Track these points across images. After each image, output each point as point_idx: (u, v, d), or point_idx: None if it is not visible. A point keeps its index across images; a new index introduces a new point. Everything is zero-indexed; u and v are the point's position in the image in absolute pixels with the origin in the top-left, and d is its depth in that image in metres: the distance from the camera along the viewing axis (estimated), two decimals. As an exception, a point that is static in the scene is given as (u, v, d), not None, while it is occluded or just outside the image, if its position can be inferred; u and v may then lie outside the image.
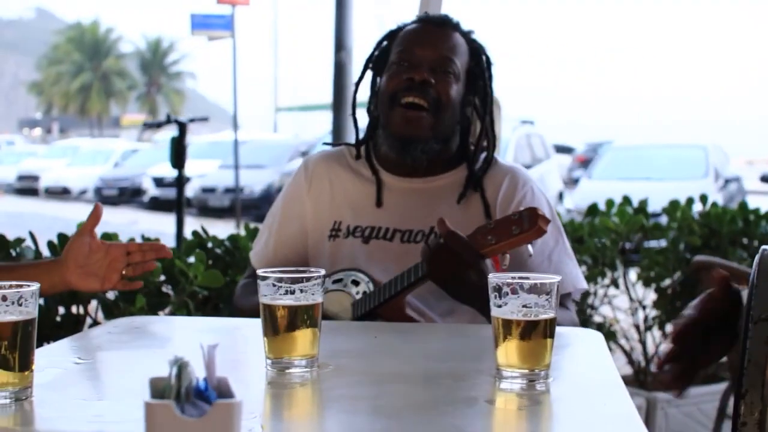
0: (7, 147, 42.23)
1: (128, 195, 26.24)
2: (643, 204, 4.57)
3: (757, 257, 1.55)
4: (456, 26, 2.54)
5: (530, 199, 2.49)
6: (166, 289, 3.26)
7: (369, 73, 2.62)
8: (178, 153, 7.50)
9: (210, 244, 3.48)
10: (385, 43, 2.59)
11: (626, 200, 4.57)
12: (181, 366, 1.03)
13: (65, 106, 72.57)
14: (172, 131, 7.53)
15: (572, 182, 23.72)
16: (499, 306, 1.58)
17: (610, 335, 4.40)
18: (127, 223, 20.62)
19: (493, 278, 1.60)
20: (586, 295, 4.28)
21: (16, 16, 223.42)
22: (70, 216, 22.57)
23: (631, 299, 4.53)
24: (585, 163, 29.38)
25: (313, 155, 2.67)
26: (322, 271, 1.69)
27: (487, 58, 2.57)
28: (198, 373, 1.08)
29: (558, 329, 2.03)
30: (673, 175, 14.77)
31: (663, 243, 4.51)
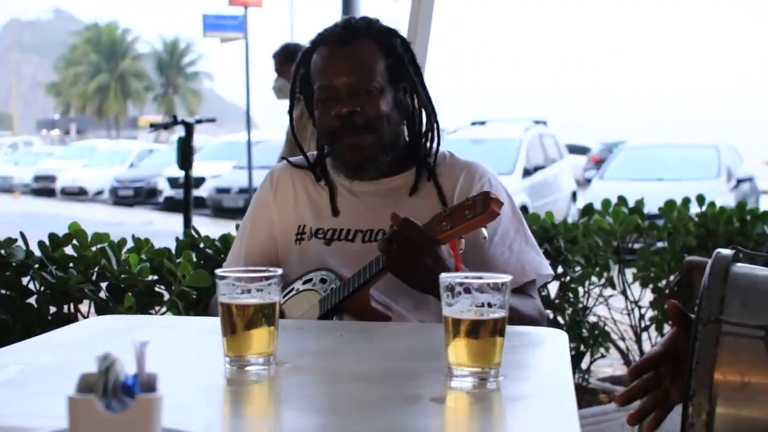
0: (25, 148, 42.47)
1: (144, 195, 26.32)
2: (639, 204, 4.59)
3: (710, 259, 1.57)
4: (360, 31, 2.54)
5: (488, 189, 2.51)
6: (159, 288, 3.30)
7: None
8: (185, 154, 7.53)
9: (202, 244, 3.52)
10: (302, 70, 2.61)
11: (622, 200, 4.59)
12: (109, 362, 1.06)
13: (83, 107, 72.87)
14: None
15: (586, 183, 23.68)
16: (450, 305, 1.60)
17: (604, 335, 4.42)
18: (142, 224, 20.72)
19: (445, 277, 1.62)
20: (576, 293, 4.30)
21: (35, 17, 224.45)
22: (86, 216, 22.77)
23: (627, 299, 4.55)
24: (600, 163, 29.38)
25: (278, 165, 2.75)
26: (279, 271, 1.72)
27: (402, 40, 2.59)
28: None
29: (522, 328, 2.07)
30: (685, 175, 14.74)
31: (661, 243, 4.53)
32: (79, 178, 29.55)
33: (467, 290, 1.59)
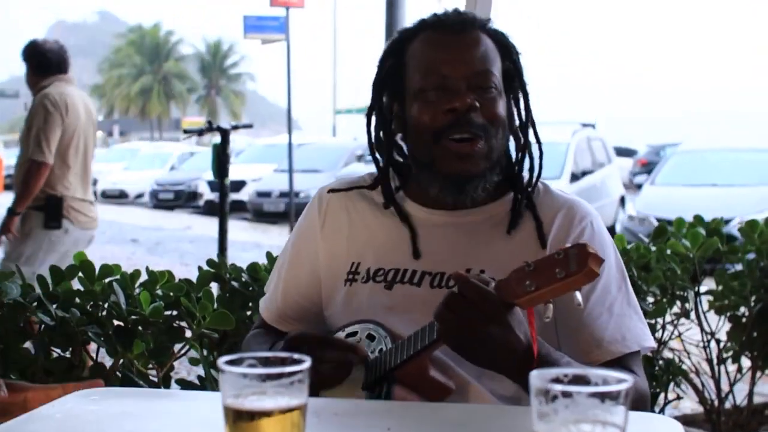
0: (67, 150, 42.41)
1: (184, 199, 26.13)
2: (718, 224, 4.08)
3: None
4: (477, 23, 2.09)
5: (589, 234, 2.05)
6: (179, 323, 2.87)
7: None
8: (220, 162, 7.19)
9: (227, 275, 3.09)
10: (390, 60, 2.14)
11: (698, 220, 4.08)
12: None
13: (126, 109, 73.23)
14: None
15: (634, 187, 23.16)
16: (542, 417, 1.13)
17: (680, 372, 3.93)
18: (181, 228, 20.47)
19: (538, 377, 1.15)
20: (651, 328, 3.82)
21: (80, 19, 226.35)
22: (126, 220, 22.59)
23: (702, 330, 4.06)
24: (647, 166, 28.83)
25: (328, 186, 2.26)
26: (308, 362, 1.25)
27: (515, 48, 2.14)
28: None
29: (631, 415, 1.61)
30: (740, 180, 14.23)
31: (738, 266, 4.05)
32: (120, 180, 29.46)
33: (566, 394, 1.12)
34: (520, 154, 2.13)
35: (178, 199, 26.25)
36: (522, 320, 1.73)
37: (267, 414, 1.21)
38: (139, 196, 28.52)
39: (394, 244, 2.11)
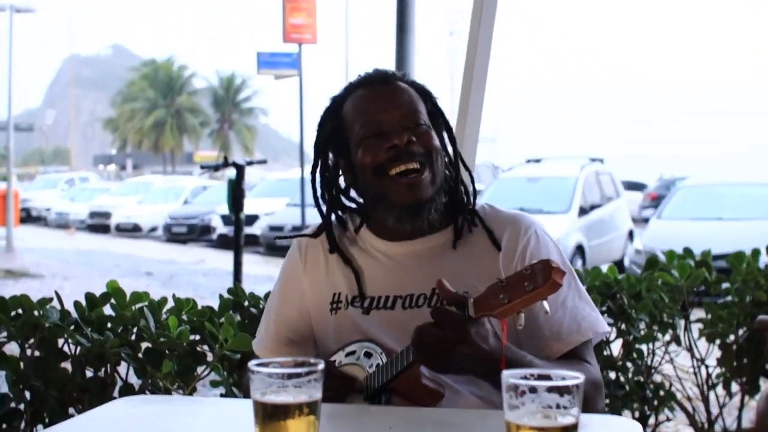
0: (81, 184, 42.85)
1: (197, 232, 26.41)
2: (707, 256, 4.35)
3: None
4: (397, 77, 2.42)
5: (535, 243, 2.34)
6: (202, 348, 3.14)
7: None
8: (235, 197, 7.43)
9: (246, 302, 3.36)
10: (330, 123, 2.45)
11: (687, 252, 4.34)
12: None
13: (139, 143, 73.58)
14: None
15: (643, 221, 23.34)
16: (513, 408, 1.41)
17: (670, 396, 4.18)
18: (195, 261, 20.73)
19: (508, 377, 1.43)
20: (640, 353, 4.07)
21: (94, 53, 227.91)
22: (140, 253, 22.83)
23: (693, 357, 4.31)
24: (657, 200, 28.99)
25: (305, 232, 2.56)
26: (321, 364, 1.53)
27: (431, 93, 2.47)
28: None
29: (589, 419, 1.86)
30: (746, 214, 14.45)
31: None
32: (134, 214, 29.78)
33: (532, 389, 1.40)
34: (456, 184, 2.42)
35: (192, 232, 26.54)
36: (487, 333, 2.00)
37: (288, 407, 1.49)
38: (153, 229, 28.82)
39: (366, 275, 2.40)
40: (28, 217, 36.04)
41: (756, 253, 4.40)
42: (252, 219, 22.49)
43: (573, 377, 1.42)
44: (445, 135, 2.43)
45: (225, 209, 23.79)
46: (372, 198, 2.39)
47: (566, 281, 2.27)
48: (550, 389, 1.40)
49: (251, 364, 1.53)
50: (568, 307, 2.28)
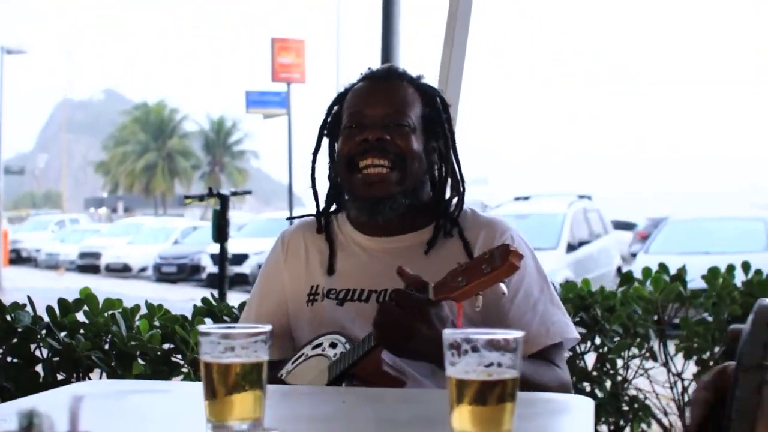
0: (72, 225, 42.84)
1: (187, 272, 26.40)
2: (681, 272, 4.38)
3: (755, 307, 1.49)
4: (402, 75, 2.48)
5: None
6: (176, 357, 3.16)
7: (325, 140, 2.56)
8: (220, 227, 7.44)
9: (220, 312, 3.39)
10: (336, 107, 2.53)
11: (663, 268, 4.38)
12: (30, 418, 0.91)
13: (131, 186, 73.58)
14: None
15: (633, 258, 23.40)
16: (454, 364, 1.43)
17: (645, 409, 4.19)
18: (185, 300, 20.72)
19: (449, 334, 1.45)
20: (614, 364, 4.09)
21: (87, 97, 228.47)
22: (129, 293, 22.78)
23: (669, 372, 4.33)
24: (647, 238, 29.03)
25: (289, 227, 2.62)
26: (268, 327, 1.56)
27: (442, 99, 2.50)
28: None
29: (543, 394, 1.89)
30: (732, 248, 14.48)
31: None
32: (124, 254, 29.77)
33: (474, 348, 1.42)
34: (442, 193, 2.46)
35: (181, 272, 26.53)
36: (446, 316, 2.05)
37: (236, 366, 1.51)
38: (143, 269, 28.81)
39: (342, 268, 2.45)
40: (17, 258, 36.02)
41: (731, 268, 4.43)
42: (241, 258, 22.52)
43: (513, 334, 1.44)
44: (441, 143, 2.46)
45: (215, 248, 23.81)
46: (344, 188, 2.47)
47: (539, 287, 2.32)
48: (488, 343, 1.41)
49: (200, 329, 1.55)
50: (539, 311, 2.32)
